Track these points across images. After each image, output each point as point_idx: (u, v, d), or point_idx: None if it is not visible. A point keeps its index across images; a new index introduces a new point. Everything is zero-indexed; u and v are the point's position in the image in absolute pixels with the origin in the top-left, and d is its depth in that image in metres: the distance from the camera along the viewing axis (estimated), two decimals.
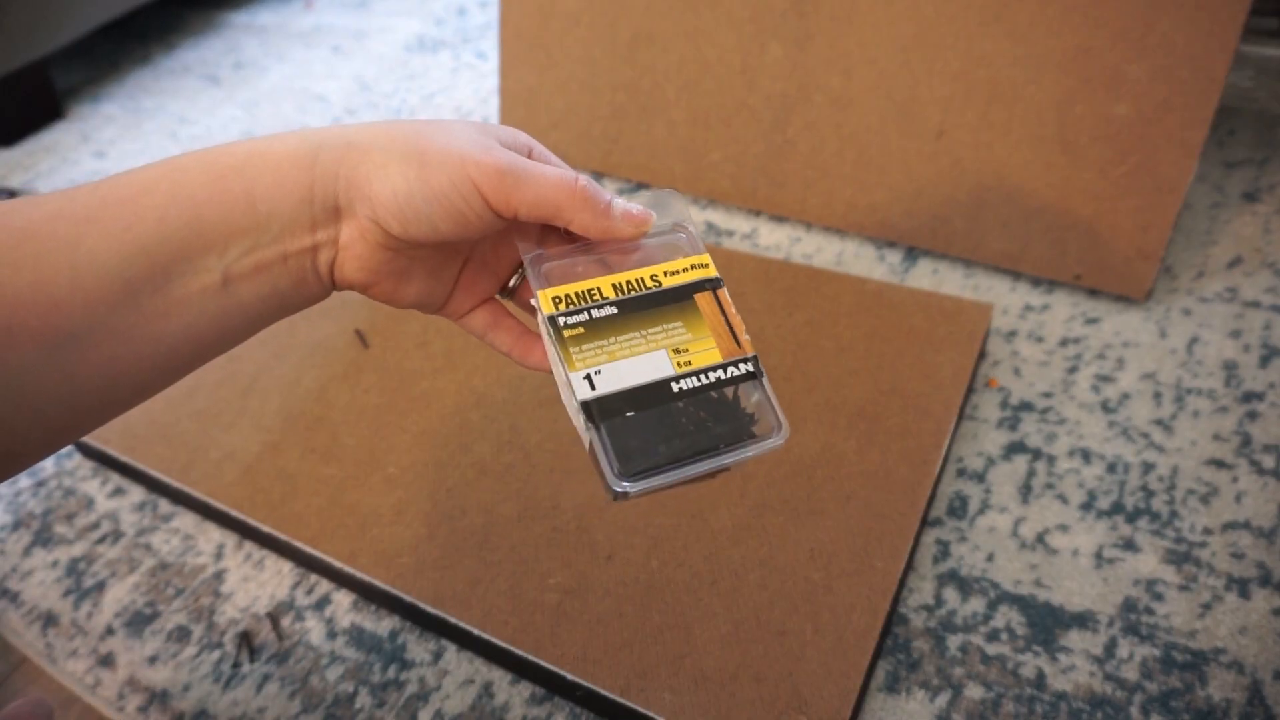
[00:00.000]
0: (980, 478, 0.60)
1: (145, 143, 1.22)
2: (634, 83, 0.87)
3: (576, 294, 0.36)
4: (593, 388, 0.34)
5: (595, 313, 0.36)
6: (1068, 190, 0.70)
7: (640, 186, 0.91)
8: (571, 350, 0.35)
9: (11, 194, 1.15)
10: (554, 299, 0.36)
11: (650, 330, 0.36)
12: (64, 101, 1.37)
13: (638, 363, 0.35)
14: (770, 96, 0.81)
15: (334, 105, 1.21)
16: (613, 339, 0.35)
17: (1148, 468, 0.58)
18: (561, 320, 0.35)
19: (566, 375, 0.34)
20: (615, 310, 0.36)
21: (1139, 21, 0.65)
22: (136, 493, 0.71)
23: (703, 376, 0.35)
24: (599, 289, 0.36)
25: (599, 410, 0.34)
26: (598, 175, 0.94)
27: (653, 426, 0.34)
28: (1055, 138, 0.69)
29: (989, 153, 0.72)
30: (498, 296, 0.42)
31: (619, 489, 0.33)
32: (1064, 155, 0.69)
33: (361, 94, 1.22)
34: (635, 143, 0.89)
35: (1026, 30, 0.69)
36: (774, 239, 0.82)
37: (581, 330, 0.35)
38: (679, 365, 0.35)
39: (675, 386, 0.35)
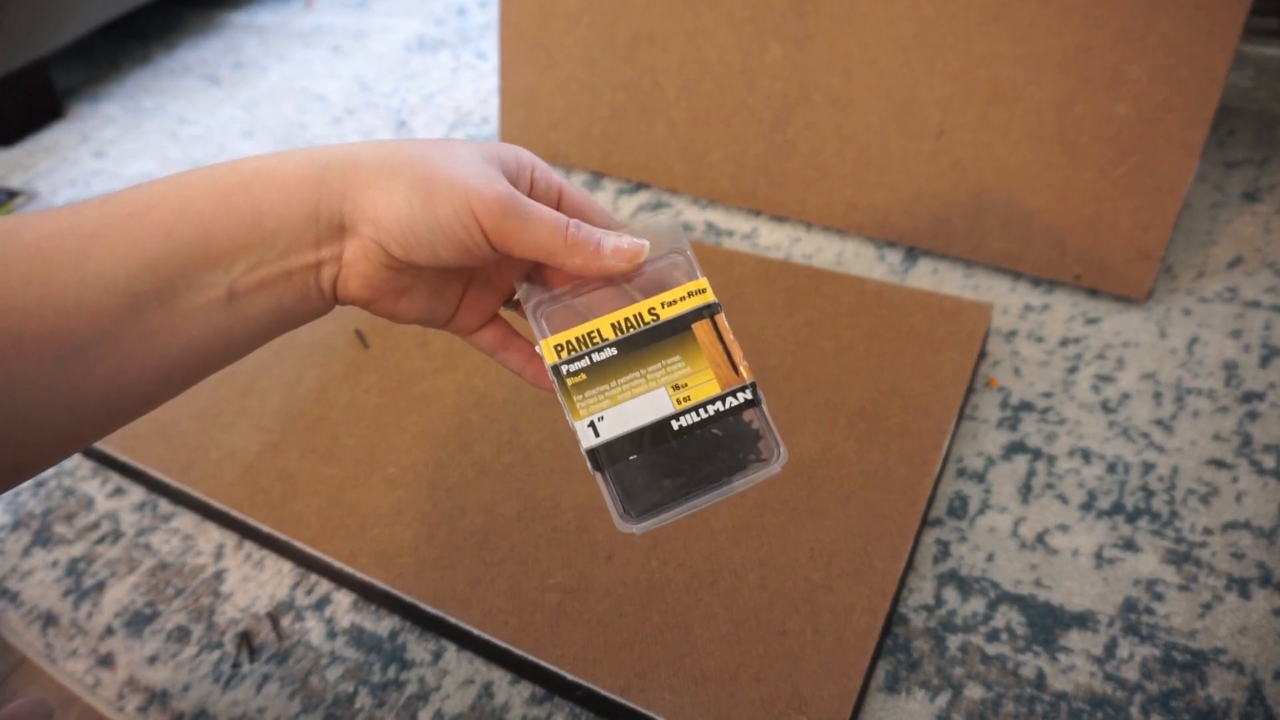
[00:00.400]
0: (980, 478, 0.60)
1: (145, 143, 1.22)
2: (634, 83, 0.87)
3: (577, 339, 0.37)
4: (597, 434, 0.35)
5: (596, 356, 0.37)
6: (1068, 190, 0.70)
7: (640, 186, 0.91)
8: (575, 398, 0.36)
9: (11, 194, 1.15)
10: (556, 347, 0.37)
11: (649, 369, 0.36)
12: (64, 101, 1.37)
13: (639, 404, 0.36)
14: (770, 96, 0.81)
15: (334, 105, 1.21)
16: (613, 382, 0.36)
17: (1148, 468, 0.58)
18: (564, 369, 0.36)
19: (571, 423, 0.36)
20: (615, 351, 0.37)
21: (1139, 21, 0.65)
22: (136, 493, 0.71)
23: (702, 411, 0.36)
24: (598, 331, 0.37)
25: (605, 457, 0.35)
26: (597, 175, 0.94)
27: (657, 463, 0.35)
28: (1055, 138, 0.69)
29: (989, 153, 0.72)
30: (502, 311, 0.42)
31: (625, 529, 0.34)
32: (1064, 155, 0.69)
33: (361, 94, 1.22)
34: (635, 143, 0.89)
35: (1026, 30, 0.69)
36: (774, 239, 0.82)
37: (584, 377, 0.36)
38: (678, 402, 0.36)
39: (675, 424, 0.36)
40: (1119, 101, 0.67)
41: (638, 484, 0.35)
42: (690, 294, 0.38)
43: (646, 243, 0.37)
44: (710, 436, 0.36)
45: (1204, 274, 0.70)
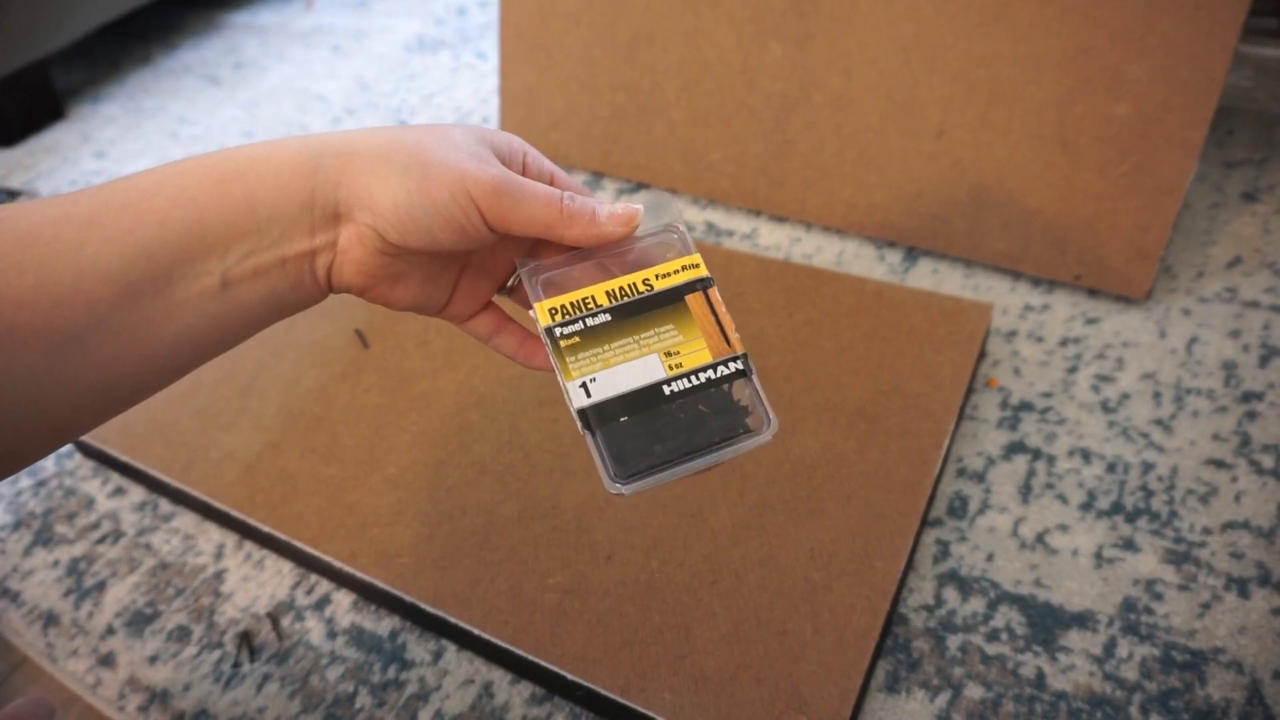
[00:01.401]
0: (980, 478, 0.60)
1: (145, 143, 1.22)
2: (634, 83, 0.87)
3: (572, 304, 0.37)
4: (588, 395, 0.35)
5: (590, 321, 0.37)
6: (1068, 190, 0.70)
7: (640, 186, 0.91)
8: (568, 359, 0.36)
9: (12, 194, 1.15)
10: (550, 310, 0.37)
11: (643, 335, 0.37)
12: (64, 101, 1.37)
13: (631, 368, 0.36)
14: (770, 96, 0.81)
15: (334, 105, 1.21)
16: (607, 346, 0.36)
17: (1147, 468, 0.59)
18: (558, 331, 0.37)
19: (564, 383, 0.36)
20: (609, 317, 0.37)
21: (1139, 21, 0.65)
22: (137, 493, 0.71)
23: (693, 378, 0.36)
24: (593, 297, 0.37)
25: (595, 417, 0.35)
26: (598, 175, 0.94)
27: (647, 428, 0.35)
28: (1055, 138, 0.69)
29: (989, 153, 0.72)
30: (495, 298, 0.42)
31: (614, 491, 0.34)
32: (1064, 155, 0.69)
33: (361, 94, 1.22)
34: (635, 143, 0.89)
35: (1026, 30, 0.69)
36: (774, 239, 0.82)
37: (577, 339, 0.36)
38: (670, 368, 0.36)
39: (667, 389, 0.36)
40: (1119, 101, 0.67)
41: (627, 447, 0.35)
42: (684, 267, 0.38)
43: (640, 207, 0.38)
44: (704, 402, 0.36)
45: (1203, 274, 0.70)
